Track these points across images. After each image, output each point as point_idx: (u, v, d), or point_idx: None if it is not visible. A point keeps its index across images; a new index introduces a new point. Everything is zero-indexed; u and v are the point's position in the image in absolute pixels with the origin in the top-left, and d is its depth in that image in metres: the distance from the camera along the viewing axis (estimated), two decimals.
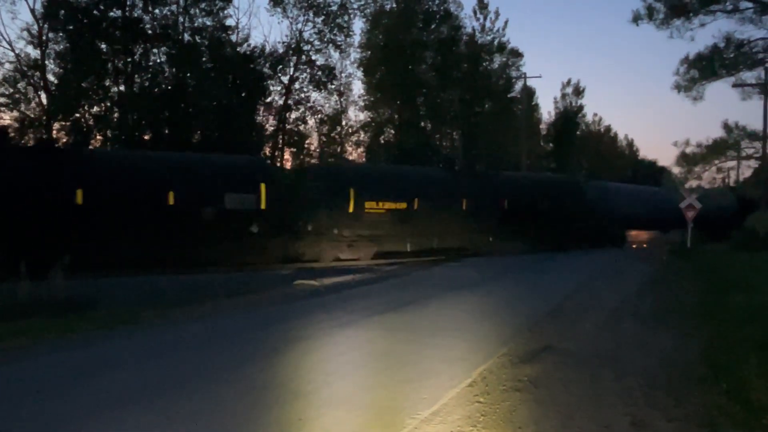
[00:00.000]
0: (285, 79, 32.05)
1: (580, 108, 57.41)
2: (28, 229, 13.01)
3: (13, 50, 24.67)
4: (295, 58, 31.72)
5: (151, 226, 14.70)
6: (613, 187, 31.46)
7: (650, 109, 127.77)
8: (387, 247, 19.57)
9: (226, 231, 15.49)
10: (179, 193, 15.32)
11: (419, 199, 20.29)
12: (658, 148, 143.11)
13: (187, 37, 28.06)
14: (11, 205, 13.26)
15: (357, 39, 35.37)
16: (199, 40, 28.38)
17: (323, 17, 31.86)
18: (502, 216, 22.10)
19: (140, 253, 13.96)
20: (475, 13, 38.75)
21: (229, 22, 29.74)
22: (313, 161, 33.00)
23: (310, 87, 32.99)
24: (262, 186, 16.57)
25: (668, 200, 27.33)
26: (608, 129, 72.03)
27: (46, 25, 24.80)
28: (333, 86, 34.38)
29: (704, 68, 13.84)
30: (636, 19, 14.46)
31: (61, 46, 25.33)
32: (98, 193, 14.34)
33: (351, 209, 18.75)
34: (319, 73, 32.74)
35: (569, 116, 54.90)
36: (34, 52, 25.15)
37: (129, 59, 26.53)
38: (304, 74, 32.74)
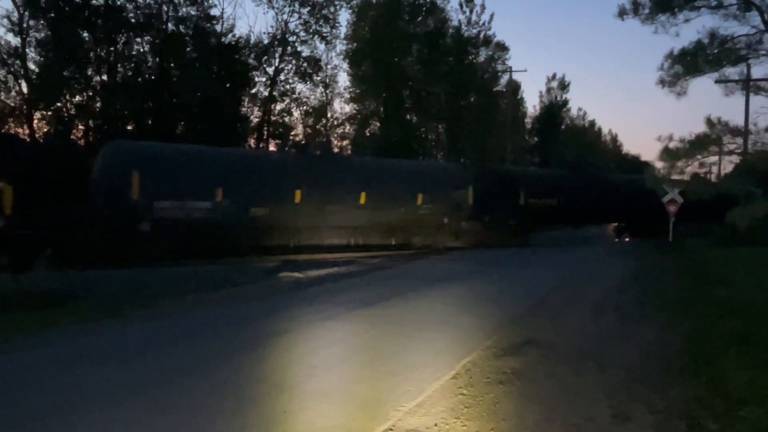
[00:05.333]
0: (270, 71, 31.89)
1: (565, 102, 57.89)
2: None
3: None
4: (280, 49, 31.52)
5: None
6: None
7: (634, 104, 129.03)
8: None
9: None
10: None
11: None
12: (641, 143, 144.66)
13: (170, 26, 27.78)
14: None
15: (343, 31, 35.26)
16: (183, 30, 28.09)
17: (309, 8, 31.70)
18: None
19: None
20: (461, 6, 38.79)
21: (214, 12, 29.54)
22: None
23: (296, 78, 32.89)
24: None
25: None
26: (592, 123, 72.78)
27: (26, 12, 24.41)
28: (318, 78, 34.33)
29: (688, 64, 13.92)
30: (621, 13, 14.48)
31: (43, 34, 24.97)
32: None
33: None
34: (305, 64, 32.62)
35: (554, 110, 55.20)
36: (14, 40, 24.80)
37: (111, 48, 26.21)
38: (290, 65, 32.61)
